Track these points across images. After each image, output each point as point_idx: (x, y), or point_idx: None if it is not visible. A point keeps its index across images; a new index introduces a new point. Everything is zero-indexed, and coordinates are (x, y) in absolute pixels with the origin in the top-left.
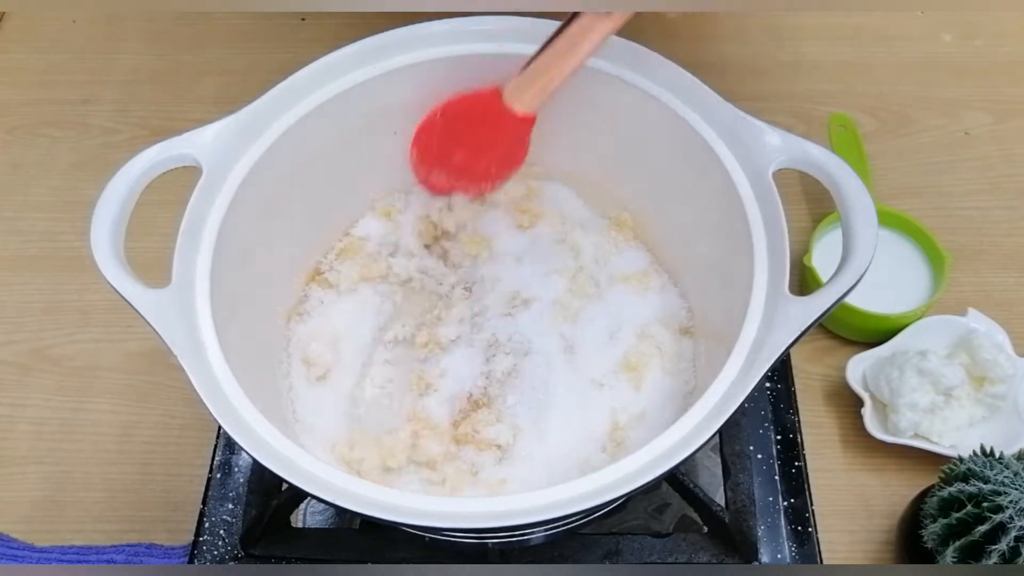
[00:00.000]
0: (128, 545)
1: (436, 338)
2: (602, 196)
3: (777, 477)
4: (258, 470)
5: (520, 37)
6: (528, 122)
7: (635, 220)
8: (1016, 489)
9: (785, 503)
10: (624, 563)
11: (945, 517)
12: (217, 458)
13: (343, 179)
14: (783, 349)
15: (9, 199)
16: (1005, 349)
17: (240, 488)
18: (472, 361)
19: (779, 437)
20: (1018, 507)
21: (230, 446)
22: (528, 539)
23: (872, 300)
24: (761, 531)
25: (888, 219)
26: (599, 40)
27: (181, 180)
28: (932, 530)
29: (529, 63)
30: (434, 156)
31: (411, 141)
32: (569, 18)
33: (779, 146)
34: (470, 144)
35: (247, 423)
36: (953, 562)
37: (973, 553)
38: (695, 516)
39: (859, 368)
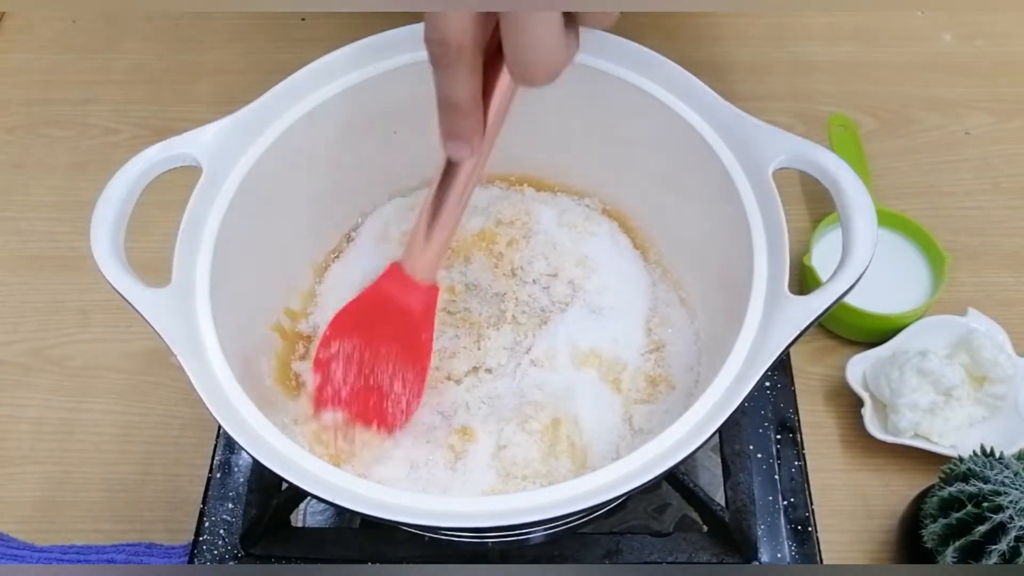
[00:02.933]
0: (128, 545)
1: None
2: (601, 197)
3: (777, 477)
4: (258, 470)
5: None
6: (435, 294)
7: (634, 220)
8: (1016, 489)
9: (785, 503)
10: (624, 563)
11: (945, 517)
12: (217, 458)
13: (343, 179)
14: (783, 348)
15: (9, 199)
16: (1005, 349)
17: (240, 488)
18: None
19: (779, 437)
20: (1018, 507)
21: (230, 446)
22: (528, 539)
23: (872, 300)
24: (761, 531)
25: (888, 219)
26: (476, 182)
27: (181, 180)
28: (932, 530)
29: (423, 227)
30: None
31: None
32: (444, 170)
33: (779, 146)
34: (384, 338)
35: (247, 423)
36: (953, 562)
37: (973, 553)
38: (695, 516)
39: (859, 368)
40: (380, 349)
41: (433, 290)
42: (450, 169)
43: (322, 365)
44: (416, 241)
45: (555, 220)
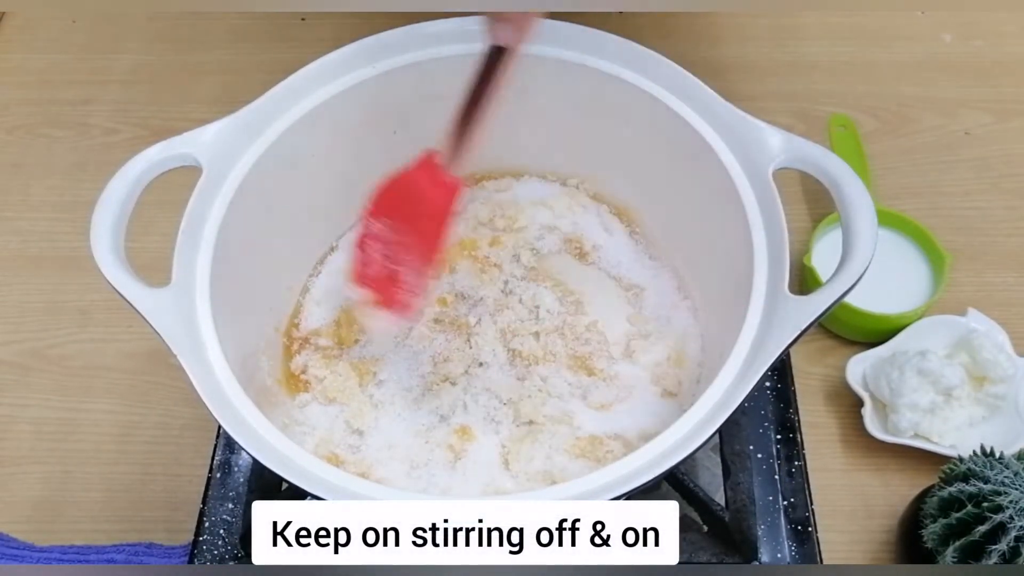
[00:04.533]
0: (128, 545)
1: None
2: (601, 196)
3: (777, 477)
4: (258, 470)
5: None
6: (457, 189)
7: (633, 220)
8: (1016, 489)
9: (785, 503)
10: None
11: (945, 517)
12: (217, 458)
13: (343, 178)
14: (783, 348)
15: (9, 199)
16: (1005, 349)
17: (240, 488)
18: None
19: (779, 437)
20: (1018, 507)
21: (230, 446)
22: None
23: (872, 300)
24: (761, 531)
25: (888, 219)
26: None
27: (181, 180)
28: (932, 530)
29: (457, 121)
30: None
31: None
32: (483, 62)
33: (779, 146)
34: (414, 225)
35: (247, 423)
36: (953, 562)
37: (973, 553)
38: (695, 516)
39: (859, 368)
40: (403, 233)
41: (456, 185)
42: (490, 60)
43: (360, 242)
44: (451, 135)
45: (533, 199)
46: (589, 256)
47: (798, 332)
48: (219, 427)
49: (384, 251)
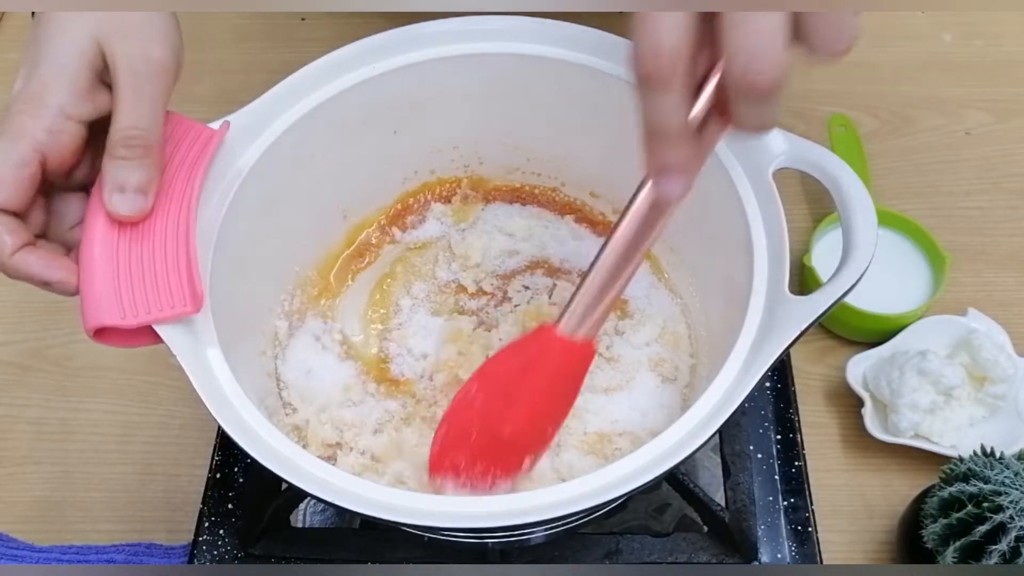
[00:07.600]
0: (128, 545)
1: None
2: (600, 197)
3: (777, 477)
4: (258, 470)
5: (521, 37)
6: (591, 352)
7: None
8: (1016, 489)
9: (785, 503)
10: (624, 563)
11: (945, 517)
12: (217, 458)
13: (343, 179)
14: (783, 349)
15: None
16: (1005, 349)
17: (240, 488)
18: None
19: (779, 437)
20: (1018, 507)
21: (230, 446)
22: (528, 539)
23: (872, 300)
24: (761, 531)
25: (888, 219)
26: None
27: None
28: (932, 530)
29: (581, 288)
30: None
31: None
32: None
33: (779, 146)
34: (530, 396)
35: (247, 423)
36: (953, 562)
37: (973, 553)
38: (695, 516)
39: (859, 368)
40: (511, 402)
41: (588, 350)
42: (650, 211)
43: (448, 416)
44: (583, 304)
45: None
46: (560, 272)
47: (798, 332)
48: (219, 427)
49: (477, 425)
